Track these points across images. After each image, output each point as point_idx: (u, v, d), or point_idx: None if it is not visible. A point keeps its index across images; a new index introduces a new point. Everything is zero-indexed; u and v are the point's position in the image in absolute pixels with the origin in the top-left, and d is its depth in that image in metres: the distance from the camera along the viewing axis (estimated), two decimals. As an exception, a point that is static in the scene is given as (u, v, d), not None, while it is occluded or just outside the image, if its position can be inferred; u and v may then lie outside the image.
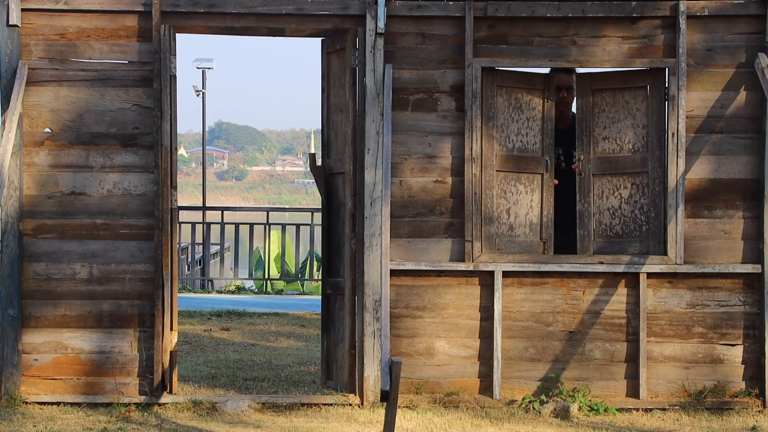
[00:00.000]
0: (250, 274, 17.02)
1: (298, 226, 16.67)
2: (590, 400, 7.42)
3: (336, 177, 7.79)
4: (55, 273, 7.44)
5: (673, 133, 7.50)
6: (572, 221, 7.76)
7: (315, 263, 16.78)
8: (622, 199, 7.70)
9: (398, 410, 6.52)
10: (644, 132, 7.66)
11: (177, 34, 7.49)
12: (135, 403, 7.36)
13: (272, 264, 17.39)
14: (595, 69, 7.71)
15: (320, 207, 8.24)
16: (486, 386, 7.56)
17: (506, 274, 7.53)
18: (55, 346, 7.44)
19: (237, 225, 17.82)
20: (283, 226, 18.03)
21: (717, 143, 7.55)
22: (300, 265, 17.65)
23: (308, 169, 8.53)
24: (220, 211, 17.49)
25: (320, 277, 11.38)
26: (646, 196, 7.70)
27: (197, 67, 31.16)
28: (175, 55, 7.46)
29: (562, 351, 7.57)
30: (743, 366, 7.58)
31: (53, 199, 7.44)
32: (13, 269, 7.36)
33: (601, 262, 7.56)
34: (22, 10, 7.38)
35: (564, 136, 7.89)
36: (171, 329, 7.45)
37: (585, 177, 7.76)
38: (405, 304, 7.56)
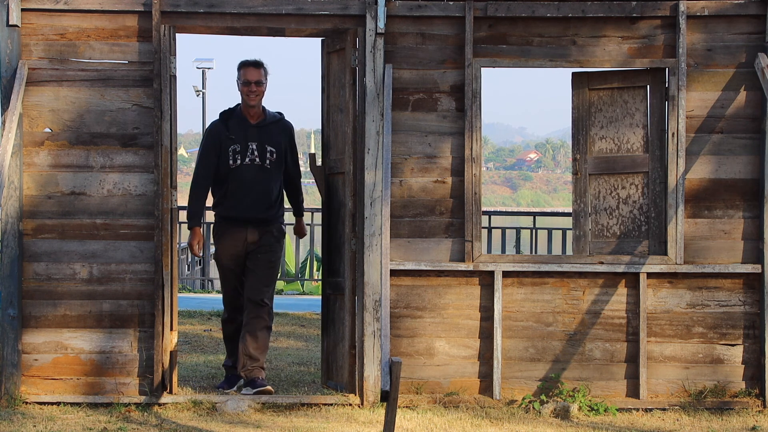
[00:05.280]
0: (251, 274, 16.96)
1: (298, 226, 16.61)
2: (590, 400, 7.42)
3: (336, 177, 7.79)
4: (55, 273, 7.44)
5: (673, 133, 7.50)
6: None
7: (315, 263, 16.76)
8: (620, 199, 7.69)
9: (398, 410, 6.52)
10: (643, 132, 7.66)
11: (177, 34, 7.48)
12: (135, 403, 7.36)
13: (272, 264, 17.32)
14: (595, 69, 7.70)
15: (320, 207, 8.24)
16: (486, 386, 7.56)
17: (506, 274, 7.53)
18: (55, 346, 7.43)
19: (237, 225, 17.74)
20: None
21: (717, 143, 7.55)
22: (300, 265, 17.63)
23: (308, 169, 8.52)
24: (220, 211, 17.42)
25: (320, 277, 11.37)
26: (645, 196, 7.70)
27: (197, 67, 31.20)
28: (175, 55, 7.45)
29: (562, 351, 7.57)
30: (743, 366, 7.58)
31: (53, 199, 7.44)
32: (13, 269, 7.36)
33: (601, 262, 7.55)
34: (22, 10, 7.37)
35: (257, 130, 7.67)
36: (171, 329, 7.45)
37: (581, 177, 7.75)
38: (405, 304, 7.55)
